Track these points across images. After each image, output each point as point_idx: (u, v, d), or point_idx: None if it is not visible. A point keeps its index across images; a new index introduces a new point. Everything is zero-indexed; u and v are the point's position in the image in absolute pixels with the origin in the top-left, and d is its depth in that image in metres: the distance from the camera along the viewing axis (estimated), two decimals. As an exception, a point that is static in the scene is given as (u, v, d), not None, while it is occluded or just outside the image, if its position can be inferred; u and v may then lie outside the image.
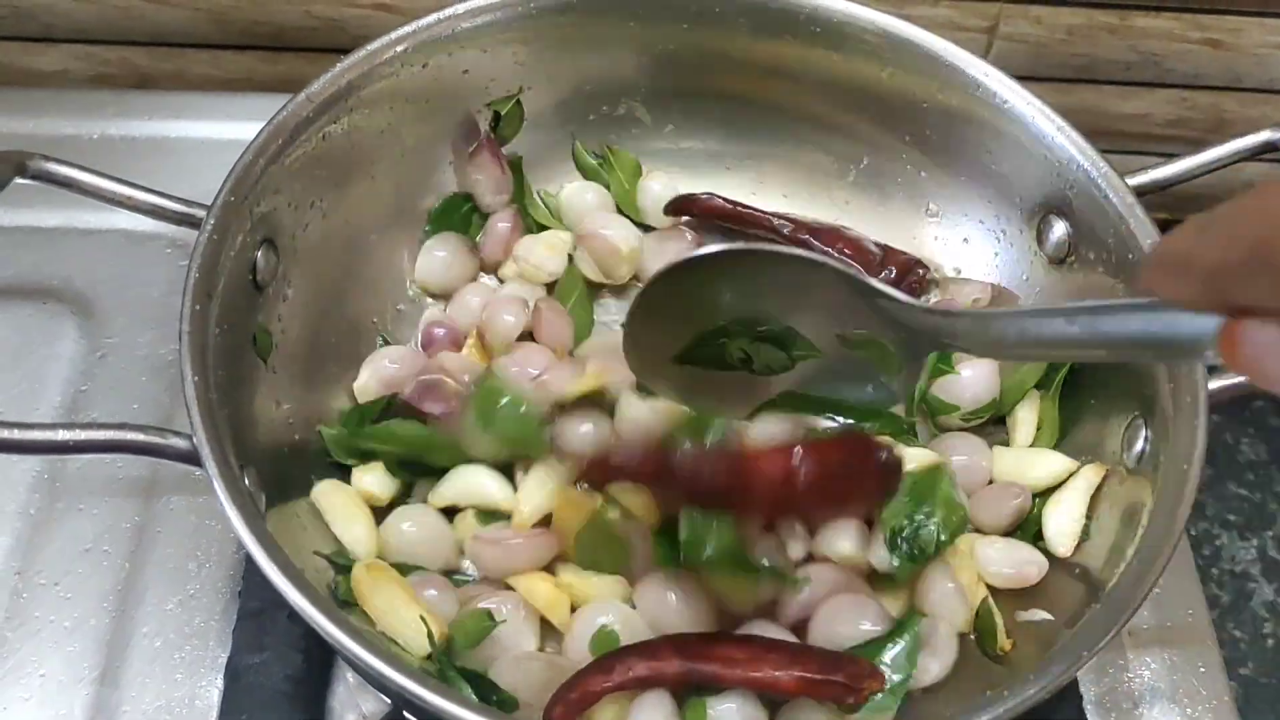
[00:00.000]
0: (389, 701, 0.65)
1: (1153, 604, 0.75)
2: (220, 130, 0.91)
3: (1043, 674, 0.53)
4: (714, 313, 0.61)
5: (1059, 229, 0.73)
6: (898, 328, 0.57)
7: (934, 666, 0.64)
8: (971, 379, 0.74)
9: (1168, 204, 1.02)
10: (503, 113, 0.79)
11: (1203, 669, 0.72)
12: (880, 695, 0.60)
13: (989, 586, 0.68)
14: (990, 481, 0.72)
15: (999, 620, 0.66)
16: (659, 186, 0.83)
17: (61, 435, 0.57)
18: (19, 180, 0.68)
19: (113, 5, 0.94)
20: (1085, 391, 0.72)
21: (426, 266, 0.80)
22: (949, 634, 0.65)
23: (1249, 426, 0.92)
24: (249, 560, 0.71)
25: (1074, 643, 0.54)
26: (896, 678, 0.61)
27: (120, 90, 0.98)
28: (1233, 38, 0.94)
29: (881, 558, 0.66)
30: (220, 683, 0.68)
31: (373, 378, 0.74)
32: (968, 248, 0.80)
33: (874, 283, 0.56)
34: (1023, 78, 0.74)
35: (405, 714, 0.60)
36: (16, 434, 0.57)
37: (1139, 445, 0.66)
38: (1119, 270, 0.68)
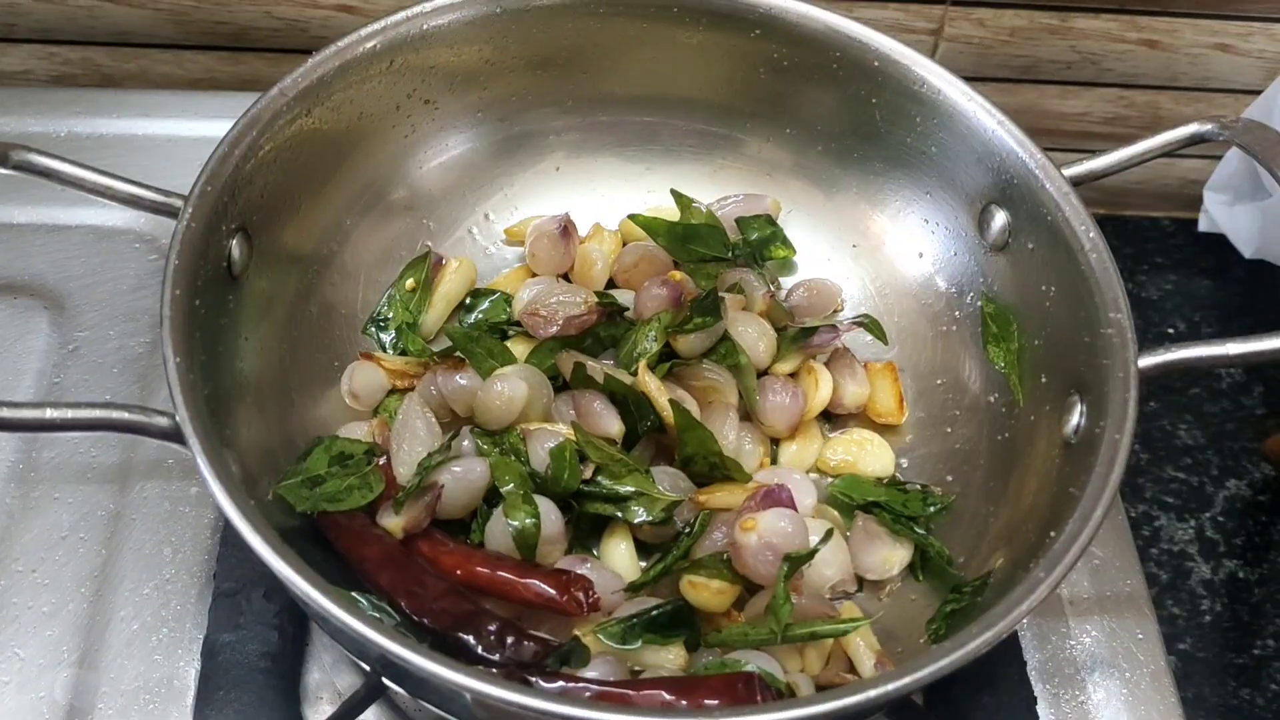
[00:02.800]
0: (365, 675, 0.66)
1: (1092, 575, 0.77)
2: (187, 128, 0.92)
3: (985, 625, 0.55)
4: None
5: (999, 218, 0.75)
6: None
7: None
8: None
9: (1102, 199, 1.05)
10: None
11: (1140, 636, 0.75)
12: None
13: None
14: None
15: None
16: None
17: (50, 414, 0.58)
18: (-1, 171, 0.69)
19: (75, 4, 0.95)
20: (1032, 371, 0.74)
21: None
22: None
23: (1186, 413, 0.94)
24: (223, 544, 0.73)
25: (1006, 602, 0.56)
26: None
27: (87, 89, 0.98)
28: (1169, 38, 0.97)
29: None
30: (197, 663, 0.69)
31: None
32: (913, 237, 0.82)
33: None
34: (968, 78, 0.76)
35: (385, 682, 0.61)
36: (5, 412, 0.58)
37: (1075, 420, 0.67)
38: (1055, 255, 0.71)
